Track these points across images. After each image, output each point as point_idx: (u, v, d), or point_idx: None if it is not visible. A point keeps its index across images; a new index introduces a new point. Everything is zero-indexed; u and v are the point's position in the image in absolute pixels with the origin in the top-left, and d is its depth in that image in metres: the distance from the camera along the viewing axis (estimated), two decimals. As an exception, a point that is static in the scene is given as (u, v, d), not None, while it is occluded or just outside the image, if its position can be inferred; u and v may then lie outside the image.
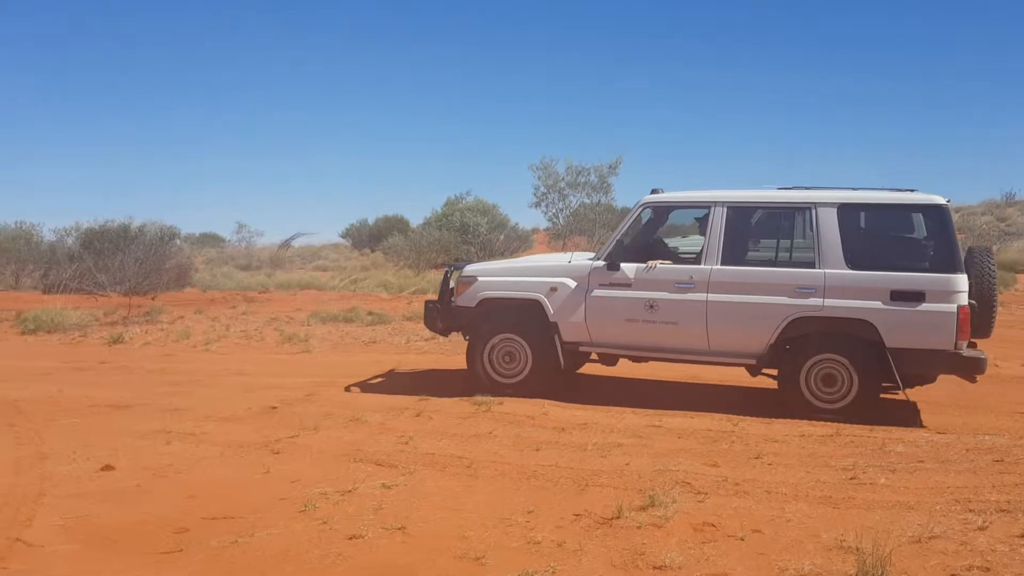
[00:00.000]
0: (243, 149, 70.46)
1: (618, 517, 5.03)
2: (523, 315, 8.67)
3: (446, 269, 9.65)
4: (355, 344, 12.80)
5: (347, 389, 9.07)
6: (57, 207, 65.52)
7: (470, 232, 24.43)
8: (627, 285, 8.28)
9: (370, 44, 71.95)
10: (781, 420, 7.51)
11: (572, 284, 8.47)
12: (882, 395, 7.80)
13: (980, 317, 7.64)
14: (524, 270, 8.96)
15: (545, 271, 8.74)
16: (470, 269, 9.15)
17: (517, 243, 28.60)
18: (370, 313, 14.94)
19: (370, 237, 36.61)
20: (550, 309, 8.51)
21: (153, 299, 17.43)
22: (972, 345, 7.79)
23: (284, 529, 4.90)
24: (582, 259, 8.80)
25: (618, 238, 8.49)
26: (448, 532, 4.84)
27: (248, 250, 37.03)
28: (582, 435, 7.04)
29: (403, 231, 31.43)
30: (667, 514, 5.05)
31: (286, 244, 30.14)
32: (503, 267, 9.25)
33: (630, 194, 71.84)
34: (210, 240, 46.17)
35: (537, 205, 22.64)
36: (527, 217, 66.49)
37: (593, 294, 8.39)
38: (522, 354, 8.69)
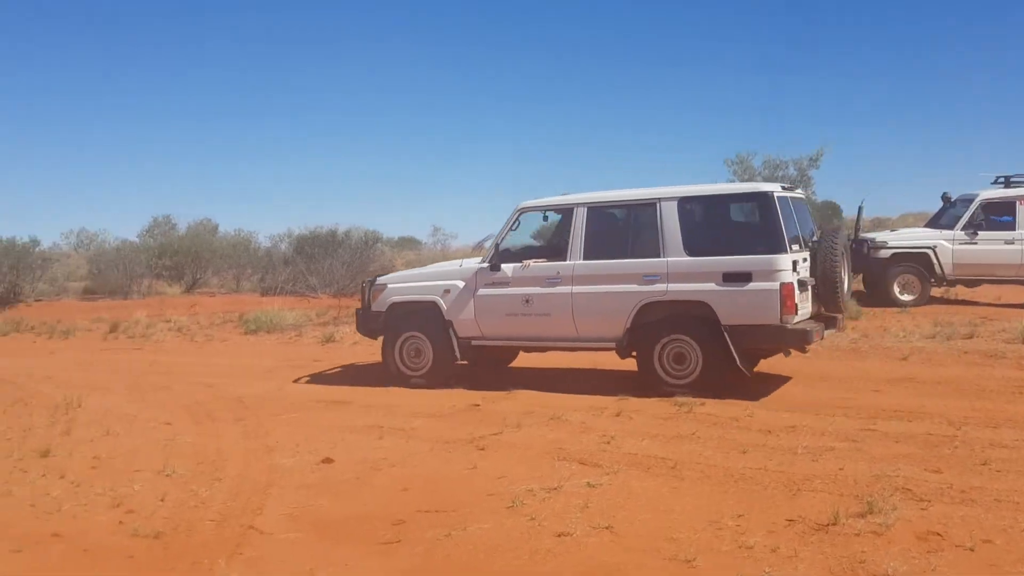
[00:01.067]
0: (437, 154, 72.72)
1: (834, 523, 4.81)
2: (424, 316, 9.69)
3: (363, 282, 10.73)
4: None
5: (546, 388, 9.16)
6: (272, 215, 69.96)
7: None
8: (507, 283, 9.27)
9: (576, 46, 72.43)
10: (1009, 426, 6.97)
11: (461, 285, 9.50)
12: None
13: (826, 292, 8.59)
14: (424, 276, 10.19)
15: (440, 275, 9.91)
16: (382, 279, 10.37)
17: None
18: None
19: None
20: (444, 309, 9.55)
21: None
22: (832, 318, 8.89)
23: (494, 524, 5.00)
24: (472, 263, 9.71)
25: (498, 242, 9.43)
26: (656, 533, 4.79)
27: (443, 252, 38.24)
28: (790, 438, 6.80)
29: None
30: (887, 521, 4.78)
31: (479, 246, 30.89)
32: (409, 275, 10.55)
33: (832, 188, 68.71)
34: (408, 243, 48.08)
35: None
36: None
37: (479, 293, 9.39)
38: (426, 350, 9.73)
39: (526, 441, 6.95)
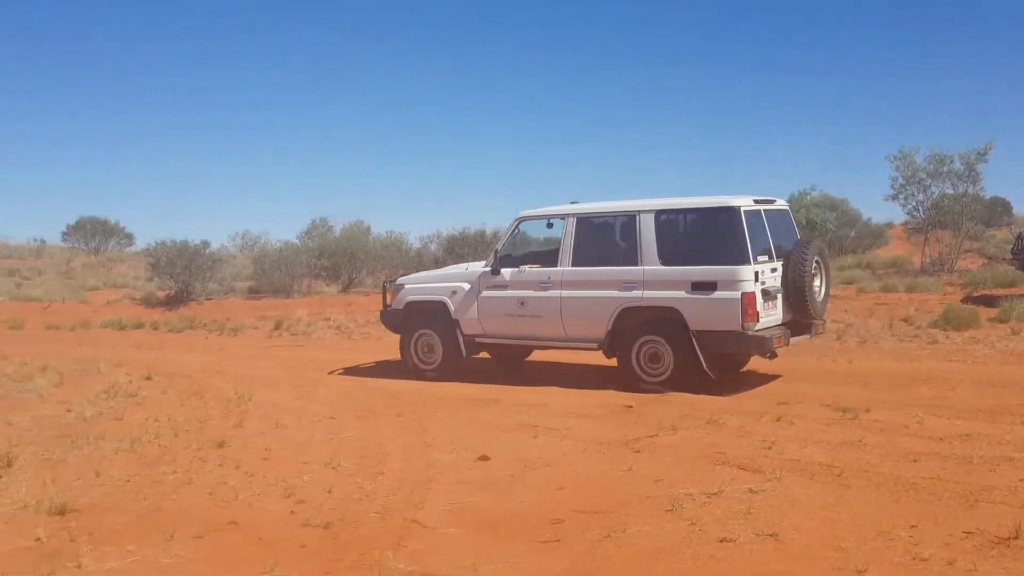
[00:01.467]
0: (579, 150, 72.64)
1: (1015, 537, 4.53)
2: (435, 314, 10.56)
3: (384, 282, 11.99)
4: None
5: (698, 391, 9.01)
6: (421, 216, 71.64)
7: (817, 228, 23.31)
8: (505, 286, 10.12)
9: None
10: None
11: (467, 287, 10.39)
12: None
13: (796, 301, 9.14)
14: (435, 278, 11.09)
15: (449, 278, 10.80)
16: (400, 280, 11.34)
17: (870, 240, 26.86)
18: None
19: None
20: (452, 309, 10.44)
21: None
22: (807, 325, 9.49)
23: (654, 527, 4.96)
24: (477, 267, 10.58)
25: (498, 248, 10.38)
26: (823, 542, 4.63)
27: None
28: (965, 447, 6.45)
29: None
30: (1076, 538, 4.47)
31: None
32: (423, 276, 11.47)
33: (1002, 183, 64.62)
34: (554, 243, 48.20)
35: (894, 198, 20.94)
36: (881, 211, 62.23)
37: (482, 295, 10.28)
38: (436, 346, 10.66)
39: (683, 444, 6.86)
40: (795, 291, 9.11)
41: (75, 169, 65.87)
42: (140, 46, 64.37)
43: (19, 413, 8.50)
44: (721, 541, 4.69)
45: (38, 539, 5.02)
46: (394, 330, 11.20)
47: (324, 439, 7.59)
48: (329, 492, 5.93)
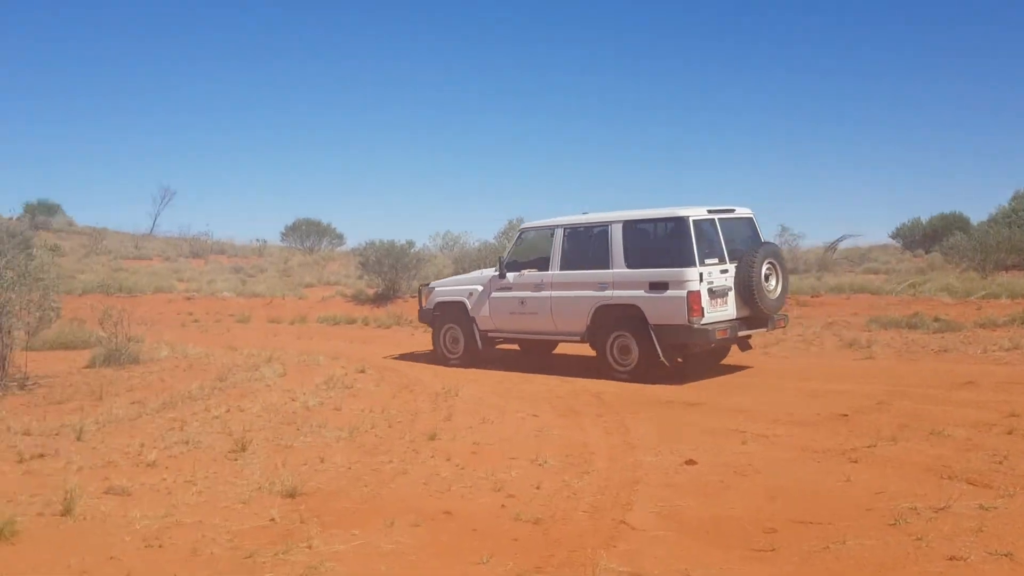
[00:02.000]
0: (782, 146, 70.16)
1: None
2: (457, 312, 12.35)
3: (420, 286, 13.83)
4: (923, 352, 11.99)
5: (921, 400, 8.51)
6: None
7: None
8: (510, 288, 11.77)
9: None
10: None
11: (480, 289, 12.14)
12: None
13: (746, 298, 10.33)
14: (457, 281, 12.89)
15: (467, 281, 12.58)
16: (432, 284, 13.28)
17: None
18: (936, 319, 13.90)
19: (924, 237, 34.05)
20: (469, 307, 12.19)
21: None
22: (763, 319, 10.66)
23: (877, 541, 4.72)
24: (489, 272, 12.29)
25: (503, 256, 12.21)
26: (1070, 568, 4.26)
27: (792, 252, 36.81)
28: None
29: (964, 229, 28.68)
30: None
31: (832, 246, 29.28)
32: (449, 280, 13.31)
33: None
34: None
35: None
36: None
37: (491, 295, 11.97)
38: (460, 338, 12.35)
39: (904, 456, 6.49)
40: (745, 290, 10.37)
41: (293, 175, 70.29)
42: (348, 60, 67.91)
43: (250, 401, 9.15)
44: (950, 559, 4.41)
45: (272, 519, 5.38)
46: (429, 325, 13.12)
47: (529, 436, 7.72)
48: (537, 488, 6.03)
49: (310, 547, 4.86)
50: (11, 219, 36.01)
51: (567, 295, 11.09)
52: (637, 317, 10.34)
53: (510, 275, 11.79)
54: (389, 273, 22.06)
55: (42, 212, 41.08)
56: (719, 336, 10.12)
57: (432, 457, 6.94)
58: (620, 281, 10.54)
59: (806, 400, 8.86)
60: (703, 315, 9.96)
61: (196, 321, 20.00)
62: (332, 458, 6.87)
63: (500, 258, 12.23)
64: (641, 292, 10.29)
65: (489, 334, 12.13)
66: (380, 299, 21.34)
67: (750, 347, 11.44)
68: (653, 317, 10.17)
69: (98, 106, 70.59)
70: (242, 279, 26.66)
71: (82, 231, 40.58)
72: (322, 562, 4.62)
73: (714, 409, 8.68)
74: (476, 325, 12.13)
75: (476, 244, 27.51)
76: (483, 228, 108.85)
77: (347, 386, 10.05)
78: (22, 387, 10.01)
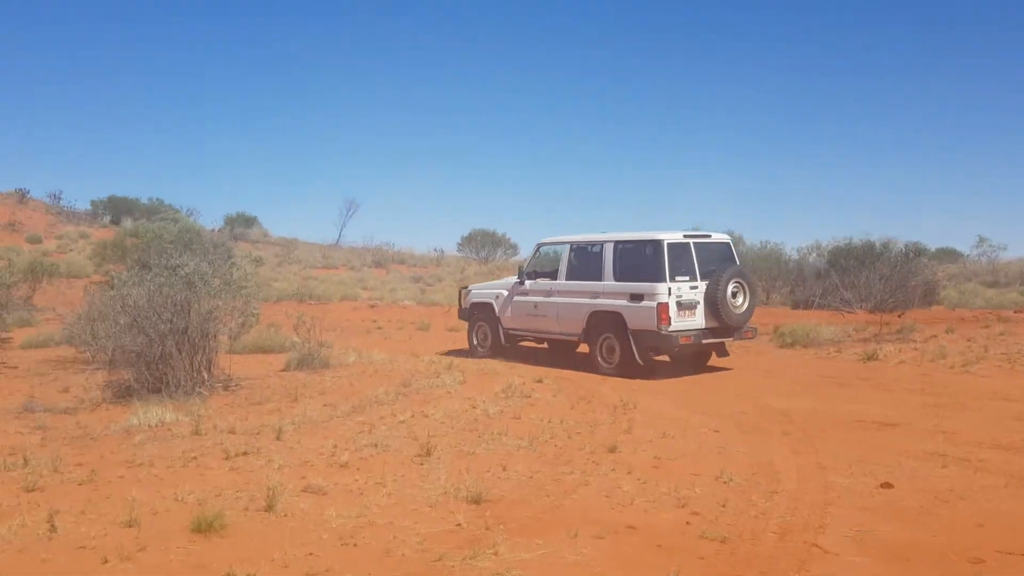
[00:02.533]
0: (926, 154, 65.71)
1: None
2: (487, 312, 14.52)
3: (460, 289, 16.08)
4: None
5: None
6: (796, 226, 69.16)
7: None
8: (527, 294, 13.78)
9: None
10: None
11: (505, 293, 14.23)
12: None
13: (715, 313, 12.01)
14: (489, 286, 15.08)
15: (496, 286, 14.80)
16: (469, 287, 15.58)
17: None
18: None
19: None
20: (496, 308, 14.33)
21: (900, 316, 17.22)
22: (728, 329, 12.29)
23: (1104, 582, 4.34)
24: (512, 279, 14.50)
25: (523, 266, 14.35)
26: None
27: (992, 265, 34.45)
28: None
29: None
30: None
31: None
32: (482, 285, 15.52)
33: None
34: (947, 255, 44.13)
35: None
36: None
37: (513, 299, 14.00)
38: (489, 334, 14.50)
39: None
40: (712, 304, 12.00)
41: (469, 186, 72.11)
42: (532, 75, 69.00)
43: (432, 407, 9.39)
44: None
45: (458, 524, 5.50)
46: (466, 321, 15.31)
47: (712, 452, 7.56)
48: (723, 506, 5.89)
49: (496, 554, 4.93)
50: (214, 231, 38.64)
51: (569, 301, 13.12)
52: (620, 322, 12.24)
53: (528, 283, 13.94)
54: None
55: (240, 224, 43.94)
56: (682, 342, 11.82)
57: (613, 470, 6.90)
58: (608, 291, 12.52)
59: (1012, 423, 8.26)
60: (671, 323, 11.75)
61: (379, 328, 20.76)
62: (514, 466, 6.95)
63: (521, 267, 14.46)
64: (624, 301, 12.20)
65: (510, 332, 14.29)
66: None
67: (727, 353, 13.16)
68: (632, 323, 12.06)
69: (291, 127, 74.97)
70: (421, 288, 27.55)
71: (276, 241, 43.07)
72: (508, 569, 4.68)
73: (911, 431, 8.23)
74: (500, 324, 14.33)
75: (795, 255, 27.14)
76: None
77: (525, 395, 10.15)
78: (226, 388, 10.68)
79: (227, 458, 7.12)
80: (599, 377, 12.22)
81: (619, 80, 74.62)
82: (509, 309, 14.19)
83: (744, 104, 71.93)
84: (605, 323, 12.47)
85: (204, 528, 5.21)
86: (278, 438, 7.83)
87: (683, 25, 73.18)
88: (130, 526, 5.31)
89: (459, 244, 38.89)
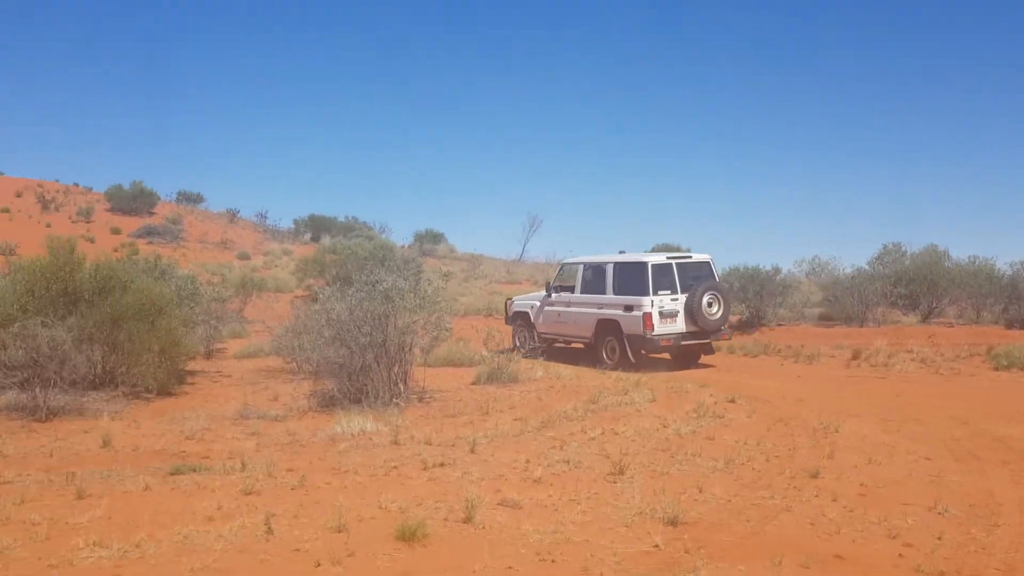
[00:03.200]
0: None
1: None
2: (525, 319, 17.71)
3: (506, 300, 19.44)
4: None
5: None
6: (1010, 239, 64.37)
7: None
8: (553, 304, 17.01)
9: None
10: None
11: (537, 304, 17.41)
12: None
13: (693, 320, 14.98)
14: (527, 298, 18.27)
15: (532, 298, 17.97)
16: (513, 298, 18.86)
17: None
18: None
19: None
20: (531, 315, 17.52)
21: None
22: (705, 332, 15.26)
23: None
24: (542, 293, 17.60)
25: (552, 280, 17.64)
26: None
27: None
28: None
29: None
30: None
31: None
32: (523, 297, 18.80)
33: None
34: None
35: None
36: None
37: (544, 309, 17.20)
38: (527, 336, 17.44)
39: None
40: (691, 313, 14.85)
41: (649, 200, 71.51)
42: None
43: (622, 424, 9.33)
44: None
45: (656, 546, 5.42)
46: (510, 326, 18.39)
47: (923, 480, 7.11)
48: (939, 539, 5.54)
49: (697, 578, 4.83)
50: (404, 247, 40.10)
51: (583, 311, 16.19)
52: (618, 328, 15.25)
53: (554, 295, 17.08)
54: (753, 300, 21.60)
55: (429, 240, 45.41)
56: (663, 344, 14.89)
57: (816, 496, 6.61)
58: (609, 303, 15.59)
59: None
60: (654, 329, 14.77)
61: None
62: (710, 489, 6.78)
63: (547, 283, 17.82)
64: (620, 311, 15.27)
65: (542, 335, 17.31)
66: (745, 326, 20.92)
67: (712, 351, 16.32)
68: (625, 328, 15.11)
69: (477, 146, 76.99)
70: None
71: (462, 257, 44.20)
72: (710, 595, 4.56)
73: None
74: (535, 327, 17.43)
75: (849, 270, 26.03)
76: (854, 254, 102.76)
77: (718, 415, 9.90)
78: (420, 400, 11.03)
79: (425, 468, 7.33)
80: (795, 397, 11.76)
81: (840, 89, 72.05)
82: (541, 316, 17.41)
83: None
84: (608, 328, 15.52)
85: (408, 537, 5.38)
86: (472, 451, 8.00)
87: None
88: (339, 531, 5.56)
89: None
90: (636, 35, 77.46)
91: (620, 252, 16.52)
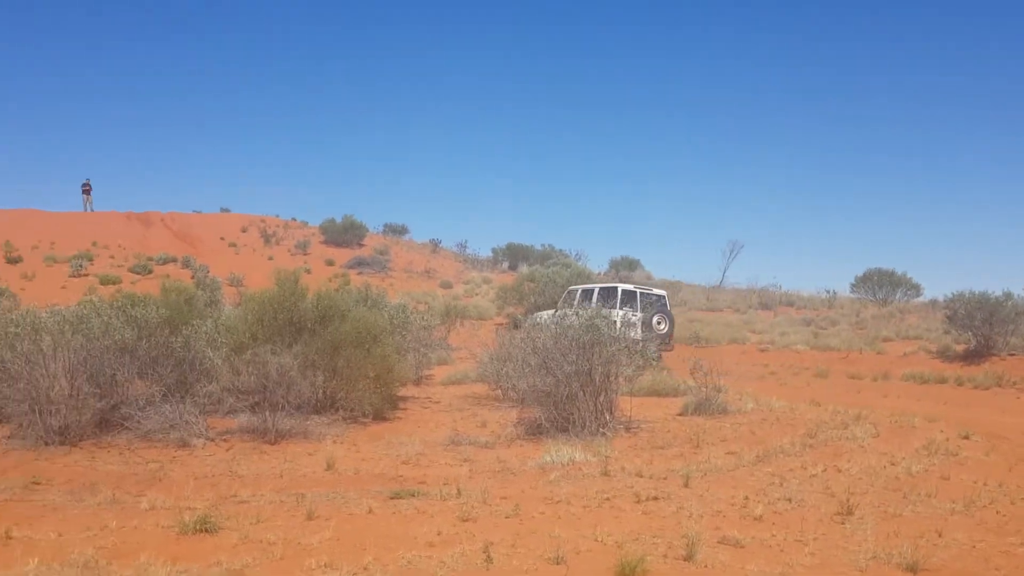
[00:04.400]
0: None
1: None
2: (540, 328, 17.21)
3: (527, 314, 25.45)
4: None
5: None
6: None
7: None
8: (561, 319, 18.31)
9: None
10: None
11: (548, 318, 16.40)
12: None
13: (647, 329, 19.43)
14: (544, 314, 19.81)
15: (543, 315, 18.90)
16: (534, 314, 22.27)
17: None
18: None
19: None
20: (543, 326, 17.06)
21: None
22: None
23: None
24: (552, 311, 19.70)
25: (560, 301, 22.10)
26: None
27: None
28: None
29: None
30: None
31: None
32: (539, 314, 21.00)
33: None
34: None
35: None
36: None
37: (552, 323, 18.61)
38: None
39: None
40: (645, 326, 19.55)
41: (862, 224, 68.23)
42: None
43: (845, 461, 8.82)
44: None
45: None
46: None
47: None
48: None
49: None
50: (600, 274, 40.06)
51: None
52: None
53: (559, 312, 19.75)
54: (982, 328, 20.08)
55: (624, 267, 45.15)
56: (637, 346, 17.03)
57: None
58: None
59: None
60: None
61: (773, 373, 20.12)
62: (950, 533, 6.26)
63: (556, 303, 21.83)
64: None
65: None
66: (972, 356, 19.49)
67: (670, 348, 20.57)
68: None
69: (674, 172, 76.27)
70: (813, 331, 26.34)
71: (659, 284, 43.67)
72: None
73: None
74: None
75: None
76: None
77: (951, 453, 9.17)
78: (627, 430, 10.89)
79: (638, 501, 7.19)
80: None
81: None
82: (554, 327, 21.25)
83: None
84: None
85: (628, 573, 5.26)
86: (686, 485, 7.78)
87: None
88: (557, 563, 5.51)
89: (853, 285, 36.58)
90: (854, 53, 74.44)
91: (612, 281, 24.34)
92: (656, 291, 22.28)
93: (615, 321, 18.52)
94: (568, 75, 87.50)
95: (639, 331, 19.23)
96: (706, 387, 12.53)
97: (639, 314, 20.36)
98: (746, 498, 7.30)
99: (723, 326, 27.70)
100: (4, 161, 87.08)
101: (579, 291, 22.24)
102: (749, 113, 78.98)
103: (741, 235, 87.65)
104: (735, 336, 25.59)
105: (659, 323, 20.77)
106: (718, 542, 6.06)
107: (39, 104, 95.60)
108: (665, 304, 21.65)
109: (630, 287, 21.74)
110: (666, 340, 20.70)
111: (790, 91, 78.28)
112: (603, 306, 18.75)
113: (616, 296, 21.07)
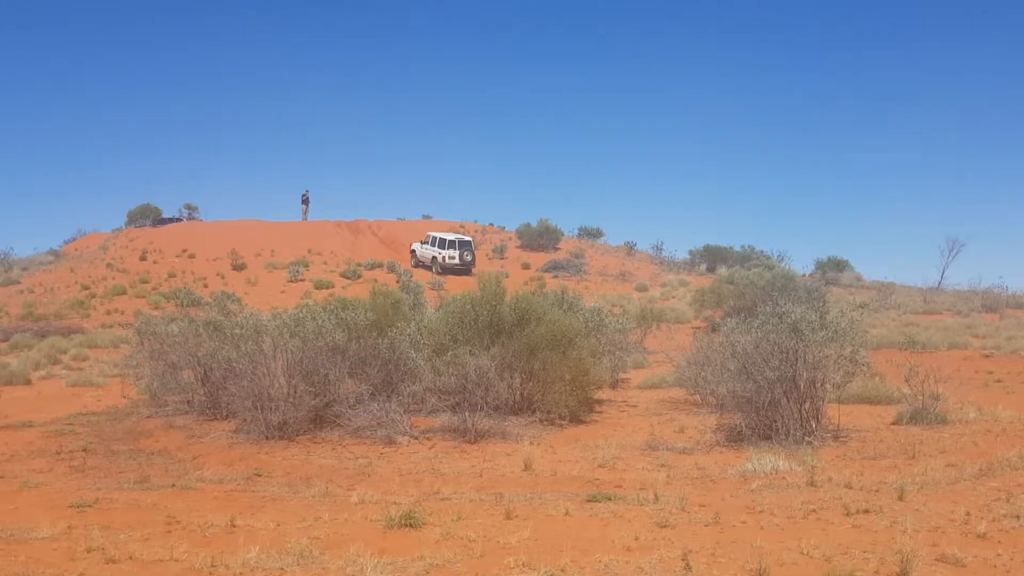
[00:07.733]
0: None
1: None
2: (413, 254, 45.65)
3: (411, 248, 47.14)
4: None
5: None
6: None
7: None
8: (425, 248, 43.21)
9: None
10: None
11: (419, 248, 42.82)
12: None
13: (459, 259, 41.17)
14: (419, 245, 45.05)
15: (416, 245, 44.83)
16: (414, 246, 46.19)
17: None
18: None
19: None
20: (417, 252, 43.86)
21: None
22: None
23: None
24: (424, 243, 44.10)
25: (424, 242, 45.90)
26: None
27: None
28: None
29: None
30: None
31: None
32: (418, 243, 46.40)
33: None
34: None
35: None
36: None
37: (420, 249, 43.65)
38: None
39: None
40: (458, 257, 40.73)
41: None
42: None
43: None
44: None
45: None
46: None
47: None
48: None
49: None
50: (805, 275, 38.53)
51: (429, 251, 41.65)
52: (433, 259, 41.00)
53: (424, 245, 42.89)
54: None
55: (831, 268, 43.24)
56: (446, 264, 40.57)
57: None
58: (434, 250, 41.47)
59: None
60: (445, 260, 40.92)
61: (998, 381, 18.58)
62: None
63: (421, 242, 43.22)
64: (437, 251, 41.13)
65: (419, 262, 42.56)
66: None
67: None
68: (437, 257, 41.94)
69: (885, 168, 72.33)
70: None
71: (870, 286, 41.55)
72: None
73: None
74: (415, 257, 43.89)
75: None
76: None
77: None
78: (835, 439, 10.38)
79: (848, 514, 6.84)
80: None
81: None
82: (418, 252, 41.27)
83: None
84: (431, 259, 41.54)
85: (842, 590, 4.99)
86: (900, 498, 7.33)
87: None
88: (759, 575, 5.31)
89: (1090, 285, 33.56)
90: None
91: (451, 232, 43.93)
92: (465, 237, 41.92)
93: (444, 253, 39.53)
94: (759, 68, 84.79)
95: (454, 260, 38.44)
96: (922, 395, 11.74)
97: (456, 251, 39.44)
98: (968, 514, 6.77)
99: (942, 330, 25.94)
100: (232, 176, 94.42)
101: (435, 238, 40.94)
102: (969, 101, 73.72)
103: (962, 232, 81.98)
104: (955, 341, 23.87)
105: (464, 255, 39.65)
106: (936, 560, 5.66)
107: (263, 126, 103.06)
108: (471, 246, 41.07)
109: (451, 236, 41.11)
110: (469, 266, 39.24)
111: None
112: (441, 249, 39.62)
113: (447, 242, 39.93)
